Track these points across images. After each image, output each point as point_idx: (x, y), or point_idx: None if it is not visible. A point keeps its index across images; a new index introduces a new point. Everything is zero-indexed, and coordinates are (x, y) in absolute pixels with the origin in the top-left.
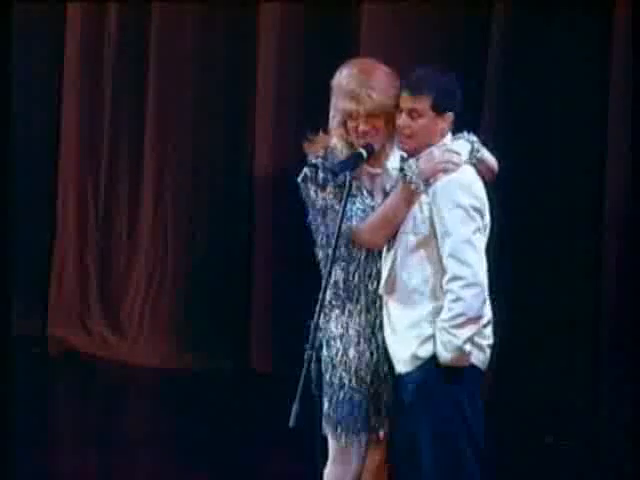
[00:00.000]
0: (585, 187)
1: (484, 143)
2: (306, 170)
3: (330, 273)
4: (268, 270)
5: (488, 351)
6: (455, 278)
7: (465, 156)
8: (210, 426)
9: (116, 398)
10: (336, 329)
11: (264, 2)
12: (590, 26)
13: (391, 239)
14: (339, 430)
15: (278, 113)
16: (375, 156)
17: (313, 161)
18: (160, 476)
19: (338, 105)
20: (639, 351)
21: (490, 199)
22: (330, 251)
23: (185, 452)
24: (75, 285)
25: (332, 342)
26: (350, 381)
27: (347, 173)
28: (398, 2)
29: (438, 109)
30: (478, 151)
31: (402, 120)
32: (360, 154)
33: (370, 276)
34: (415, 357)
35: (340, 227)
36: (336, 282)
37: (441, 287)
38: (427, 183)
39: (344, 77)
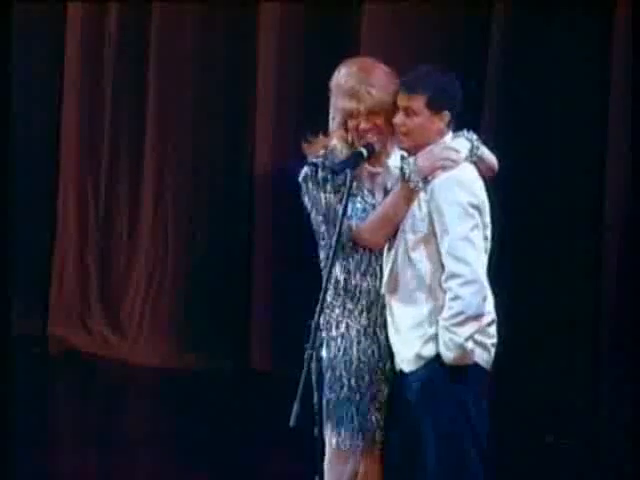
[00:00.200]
0: (585, 187)
1: (484, 142)
2: (306, 169)
3: (331, 273)
4: (268, 270)
5: (492, 350)
6: (453, 276)
7: (465, 154)
8: (210, 426)
9: (116, 398)
10: (337, 329)
11: (264, 2)
12: (590, 26)
13: (392, 238)
14: (338, 430)
15: (278, 113)
16: (376, 155)
17: (313, 160)
18: (160, 476)
19: (338, 104)
20: (639, 351)
21: (490, 199)
22: (330, 251)
23: (185, 452)
24: (75, 285)
25: (332, 342)
26: (350, 381)
27: (348, 172)
28: (398, 2)
29: (433, 108)
30: (478, 149)
31: (398, 118)
32: (360, 153)
33: (371, 275)
34: (419, 357)
35: (341, 226)
36: (337, 282)
37: (441, 285)
38: (426, 181)
39: (343, 76)
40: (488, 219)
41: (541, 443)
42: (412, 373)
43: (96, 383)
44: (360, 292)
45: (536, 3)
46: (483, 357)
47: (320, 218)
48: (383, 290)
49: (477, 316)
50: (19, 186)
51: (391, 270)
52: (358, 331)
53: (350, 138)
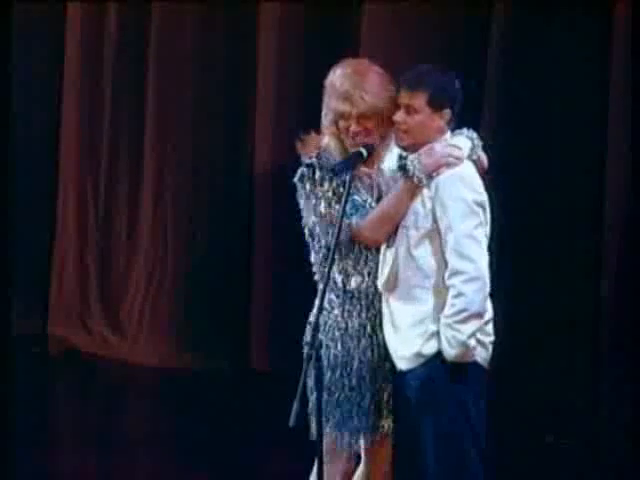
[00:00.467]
0: (585, 187)
1: (484, 142)
2: (303, 170)
3: (330, 272)
4: (268, 270)
5: (490, 348)
6: (457, 273)
7: (466, 152)
8: (210, 426)
9: (116, 398)
10: (336, 330)
11: (264, 2)
12: (590, 26)
13: (391, 235)
14: (339, 430)
15: (278, 113)
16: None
17: (308, 161)
18: (160, 476)
19: (331, 105)
20: (639, 351)
21: (490, 199)
22: (328, 251)
23: (185, 452)
24: (75, 285)
25: (332, 343)
26: (350, 381)
27: (347, 172)
28: (398, 2)
29: (434, 105)
30: (478, 147)
31: (399, 116)
32: (360, 153)
33: (368, 275)
34: (419, 355)
35: (340, 226)
36: (335, 282)
37: (444, 282)
38: (429, 177)
39: (338, 77)
40: (489, 217)
41: (541, 443)
42: (411, 371)
43: (96, 383)
44: (359, 292)
45: (536, 3)
46: (482, 355)
47: (316, 219)
48: (382, 288)
49: (480, 313)
50: (19, 186)
51: (391, 267)
52: (358, 331)
53: (342, 136)
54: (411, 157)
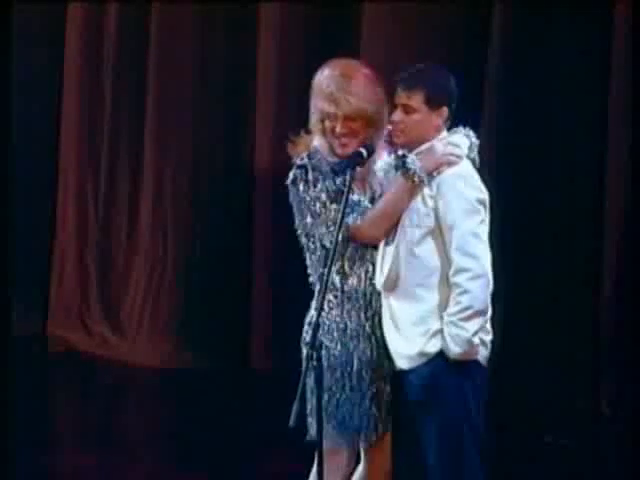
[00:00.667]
0: (585, 187)
1: (484, 142)
2: (296, 172)
3: (329, 272)
4: (268, 270)
5: (490, 346)
6: (461, 270)
7: (465, 150)
8: (210, 426)
9: (116, 398)
10: (336, 330)
11: (264, 2)
12: (590, 26)
13: (390, 234)
14: (339, 430)
15: (278, 113)
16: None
17: (300, 162)
18: (160, 476)
19: (317, 105)
20: (639, 351)
21: (490, 198)
22: (324, 251)
23: (185, 452)
24: (75, 285)
25: (332, 343)
26: (350, 381)
27: (347, 172)
28: (398, 2)
29: (432, 104)
30: (476, 145)
31: (396, 115)
32: (360, 153)
33: (366, 274)
34: (422, 354)
35: (341, 225)
36: (333, 282)
37: (447, 280)
38: (430, 176)
39: (325, 78)
40: (488, 215)
41: (541, 442)
42: (413, 370)
43: (96, 383)
44: (357, 292)
45: (536, 3)
46: (482, 353)
47: (311, 220)
48: (381, 287)
49: (484, 311)
50: (19, 186)
51: (391, 266)
52: (357, 331)
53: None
54: (411, 156)
